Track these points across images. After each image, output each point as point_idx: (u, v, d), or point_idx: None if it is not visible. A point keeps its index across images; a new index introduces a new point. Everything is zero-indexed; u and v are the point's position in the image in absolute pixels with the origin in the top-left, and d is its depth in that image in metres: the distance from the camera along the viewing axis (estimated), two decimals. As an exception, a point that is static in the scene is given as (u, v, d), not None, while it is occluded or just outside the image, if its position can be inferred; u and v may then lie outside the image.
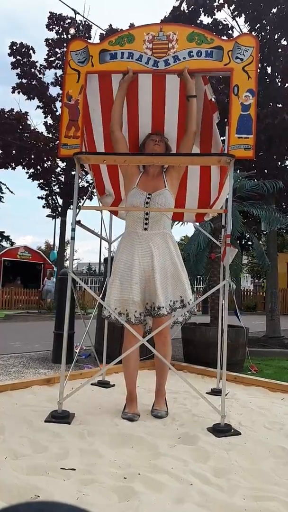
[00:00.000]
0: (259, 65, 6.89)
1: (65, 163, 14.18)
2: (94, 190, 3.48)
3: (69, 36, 13.58)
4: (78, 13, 7.20)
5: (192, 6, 6.91)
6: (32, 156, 13.51)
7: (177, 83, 2.81)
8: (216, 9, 6.91)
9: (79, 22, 13.31)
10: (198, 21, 7.12)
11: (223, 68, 2.57)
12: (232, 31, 7.20)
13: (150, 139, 2.85)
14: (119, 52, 2.63)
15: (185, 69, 2.57)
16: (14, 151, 13.31)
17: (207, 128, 2.89)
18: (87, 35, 13.95)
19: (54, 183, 14.94)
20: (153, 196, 2.68)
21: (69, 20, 13.75)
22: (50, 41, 13.90)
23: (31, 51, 13.77)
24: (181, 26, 2.69)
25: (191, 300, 2.68)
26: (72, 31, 12.19)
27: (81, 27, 13.54)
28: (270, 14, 6.57)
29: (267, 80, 6.93)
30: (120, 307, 2.64)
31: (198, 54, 2.57)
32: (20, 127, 13.25)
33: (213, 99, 2.86)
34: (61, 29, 13.94)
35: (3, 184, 23.15)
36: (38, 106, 13.97)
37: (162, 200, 2.68)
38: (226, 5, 6.86)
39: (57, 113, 13.57)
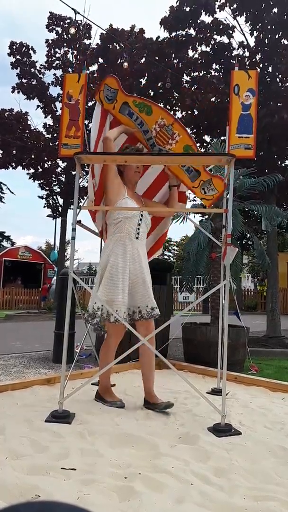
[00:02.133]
0: (260, 65, 6.90)
1: (65, 163, 14.17)
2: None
3: (69, 36, 13.57)
4: (78, 13, 7.16)
5: (194, 5, 6.90)
6: (33, 156, 13.50)
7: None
8: (218, 9, 6.91)
9: (79, 21, 13.30)
10: (198, 21, 7.12)
11: (190, 187, 3.01)
12: (233, 31, 7.19)
13: (134, 169, 2.96)
14: (135, 114, 2.96)
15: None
16: (14, 151, 13.30)
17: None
18: (87, 34, 13.94)
19: (54, 183, 14.94)
20: (144, 213, 2.94)
21: (68, 21, 13.73)
22: (50, 41, 13.89)
23: (31, 51, 13.75)
24: (186, 133, 2.94)
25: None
26: (72, 30, 12.15)
27: (81, 27, 13.52)
28: (271, 14, 6.56)
29: (268, 79, 6.91)
30: (109, 307, 2.69)
31: (182, 165, 2.95)
32: (21, 127, 13.24)
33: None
34: (61, 29, 13.92)
35: (3, 184, 23.21)
36: (38, 106, 13.97)
37: (149, 220, 3.01)
38: (227, 5, 6.85)
39: (57, 113, 13.55)
